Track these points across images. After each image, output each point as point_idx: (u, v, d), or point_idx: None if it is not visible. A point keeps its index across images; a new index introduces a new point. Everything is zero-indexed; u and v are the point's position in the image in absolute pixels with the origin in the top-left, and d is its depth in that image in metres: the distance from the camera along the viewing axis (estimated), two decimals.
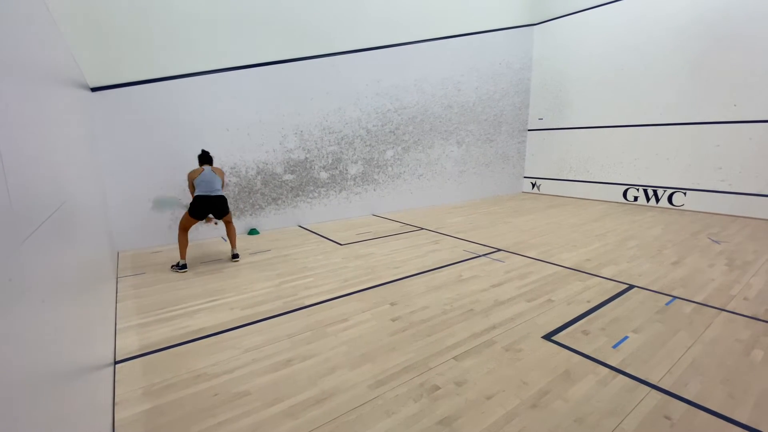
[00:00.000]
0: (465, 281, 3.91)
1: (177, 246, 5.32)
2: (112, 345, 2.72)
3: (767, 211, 6.67)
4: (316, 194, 6.91)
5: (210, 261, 4.70)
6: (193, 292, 3.73)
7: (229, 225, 4.74)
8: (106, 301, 2.93)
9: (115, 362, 2.56)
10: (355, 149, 7.26)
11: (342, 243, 5.51)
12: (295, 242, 5.58)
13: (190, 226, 4.48)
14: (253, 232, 6.15)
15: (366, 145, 7.40)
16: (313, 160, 6.79)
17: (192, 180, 4.50)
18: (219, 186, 4.49)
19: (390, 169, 7.83)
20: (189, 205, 4.43)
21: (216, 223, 4.85)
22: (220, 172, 4.59)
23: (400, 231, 6.22)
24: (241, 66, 5.85)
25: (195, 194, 4.42)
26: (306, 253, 5.02)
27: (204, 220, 4.50)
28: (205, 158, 4.64)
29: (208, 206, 4.39)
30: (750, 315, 3.13)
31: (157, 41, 5.18)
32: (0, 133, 0.90)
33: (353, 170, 7.31)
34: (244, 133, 5.99)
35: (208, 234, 5.77)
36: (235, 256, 4.70)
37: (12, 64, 1.18)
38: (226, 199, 4.54)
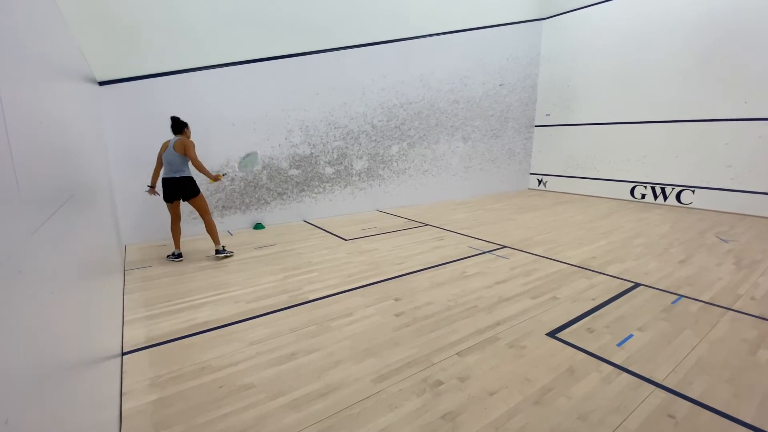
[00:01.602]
0: (469, 278, 3.91)
1: (184, 239, 5.36)
2: (120, 336, 2.76)
3: None
4: (321, 189, 6.92)
5: (215, 255, 4.73)
6: (199, 286, 3.76)
7: (205, 218, 4.48)
8: (114, 293, 2.97)
9: (123, 353, 2.60)
10: (360, 144, 7.25)
11: (346, 238, 5.52)
12: (300, 237, 5.61)
13: (173, 213, 4.46)
14: (258, 226, 6.18)
15: (371, 141, 7.38)
16: (319, 155, 6.79)
17: (159, 155, 4.30)
18: (179, 167, 4.24)
19: (395, 164, 7.82)
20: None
21: (156, 194, 4.51)
22: (184, 146, 4.20)
23: (404, 227, 6.22)
24: (247, 60, 5.85)
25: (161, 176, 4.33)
26: (311, 247, 5.04)
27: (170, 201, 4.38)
28: (174, 127, 4.31)
29: (171, 189, 4.30)
30: (757, 315, 3.10)
31: (164, 36, 5.19)
32: (8, 127, 0.91)
33: (358, 165, 7.31)
34: (250, 128, 6.00)
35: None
36: (217, 252, 4.52)
37: (19, 57, 1.19)
38: (189, 181, 4.31)
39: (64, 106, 1.98)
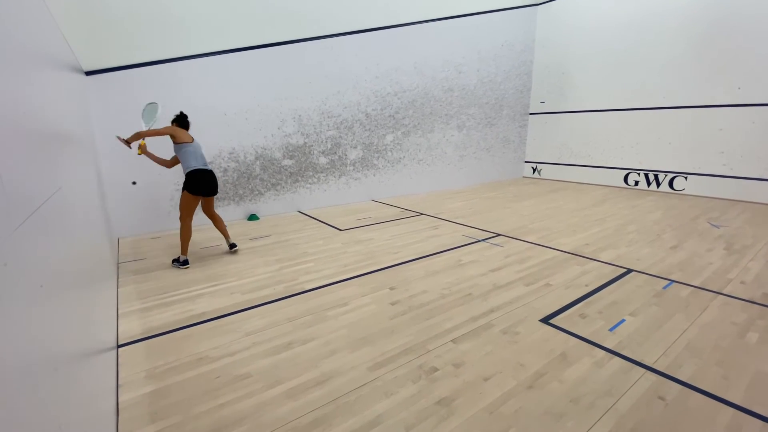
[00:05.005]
0: (464, 266, 3.93)
1: (177, 231, 5.13)
2: (115, 329, 2.76)
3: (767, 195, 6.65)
4: (315, 180, 6.88)
5: (210, 246, 4.72)
6: (194, 277, 3.75)
7: (214, 216, 4.38)
8: (107, 286, 2.95)
9: (118, 346, 2.59)
10: (354, 134, 7.19)
11: (342, 228, 5.51)
12: (295, 228, 5.59)
13: (195, 208, 4.09)
14: (252, 217, 6.15)
15: (365, 130, 7.33)
16: (312, 145, 6.73)
17: (179, 140, 3.96)
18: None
19: (390, 153, 7.78)
20: (185, 183, 3.98)
21: (131, 147, 3.97)
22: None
23: (399, 216, 6.22)
24: (238, 48, 5.74)
25: (191, 168, 3.96)
26: (306, 238, 5.03)
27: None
28: (186, 122, 4.23)
29: (207, 182, 4.03)
30: (746, 298, 3.15)
31: (152, 24, 5.07)
32: None
33: (353, 155, 7.26)
34: (242, 118, 5.92)
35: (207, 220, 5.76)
36: (232, 246, 4.42)
37: (2, 48, 1.16)
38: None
39: (50, 97, 1.93)
